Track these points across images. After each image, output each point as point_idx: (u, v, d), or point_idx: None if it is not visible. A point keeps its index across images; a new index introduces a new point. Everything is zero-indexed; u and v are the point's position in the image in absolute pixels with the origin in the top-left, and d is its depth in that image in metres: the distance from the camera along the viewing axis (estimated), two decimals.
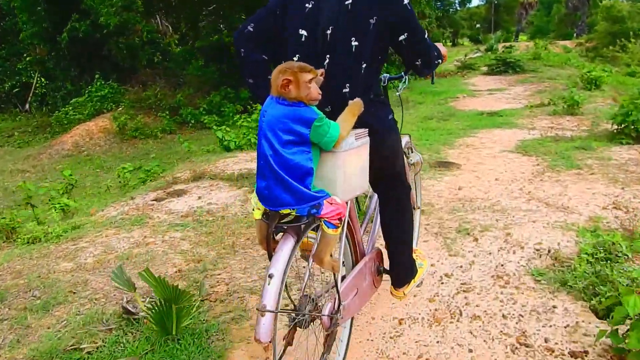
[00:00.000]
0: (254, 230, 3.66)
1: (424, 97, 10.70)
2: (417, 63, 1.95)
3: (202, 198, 4.60)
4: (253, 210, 1.70)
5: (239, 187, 4.83)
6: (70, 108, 14.07)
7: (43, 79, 19.10)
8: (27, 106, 19.32)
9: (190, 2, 15.85)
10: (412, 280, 2.28)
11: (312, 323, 1.79)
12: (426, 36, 1.92)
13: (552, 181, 4.38)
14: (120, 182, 6.74)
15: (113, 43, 16.08)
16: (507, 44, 26.33)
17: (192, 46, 17.84)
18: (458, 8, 63.58)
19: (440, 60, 2.07)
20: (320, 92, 1.60)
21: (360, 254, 2.08)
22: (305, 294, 1.75)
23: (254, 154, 6.44)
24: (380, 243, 2.28)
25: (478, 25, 59.72)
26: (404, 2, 1.82)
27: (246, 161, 5.96)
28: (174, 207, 4.40)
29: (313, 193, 1.57)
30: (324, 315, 1.74)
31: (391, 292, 2.27)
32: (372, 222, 2.43)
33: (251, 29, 1.87)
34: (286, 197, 1.56)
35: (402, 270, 2.22)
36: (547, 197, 3.99)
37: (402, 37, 1.84)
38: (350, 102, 1.73)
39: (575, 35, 41.21)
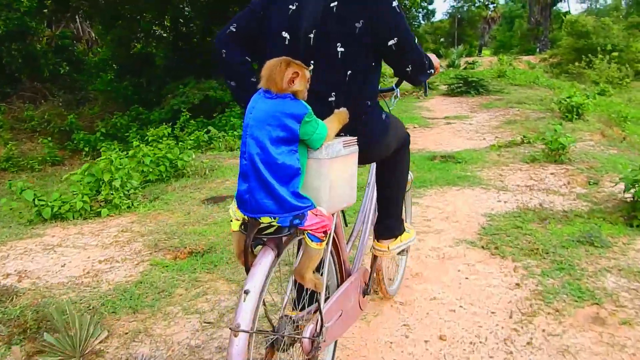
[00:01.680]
0: None
1: None
2: (408, 70, 1.83)
3: None
4: (231, 220, 1.56)
5: None
6: None
7: None
8: None
9: (103, 5, 13.30)
10: (399, 237, 2.19)
11: (292, 346, 1.64)
12: (416, 41, 1.79)
13: (552, 350, 2.14)
14: None
15: (5, 49, 13.38)
16: (470, 59, 24.74)
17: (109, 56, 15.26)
18: (422, 22, 63.06)
19: (432, 70, 1.95)
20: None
21: (346, 273, 1.95)
22: (285, 313, 1.62)
23: (73, 231, 3.93)
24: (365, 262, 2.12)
25: (442, 40, 59.23)
26: (393, 5, 1.70)
27: (43, 251, 3.56)
28: None
29: (296, 202, 1.44)
30: (304, 337, 1.61)
31: (374, 247, 2.21)
32: (359, 238, 2.23)
33: (233, 29, 1.78)
34: (268, 204, 1.43)
35: (391, 221, 2.17)
36: None
37: (391, 42, 1.71)
38: (335, 110, 1.65)
39: (538, 50, 40.31)
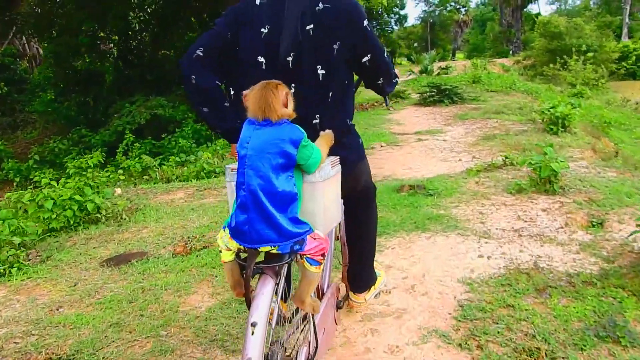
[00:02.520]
0: None
1: None
2: (379, 82, 1.90)
3: None
4: (221, 251, 1.53)
5: None
6: None
7: None
8: None
9: (38, 16, 12.09)
10: (373, 287, 2.33)
11: None
12: (386, 55, 1.86)
13: None
14: None
15: None
16: (444, 64, 24.05)
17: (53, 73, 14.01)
18: (395, 27, 62.86)
19: (397, 80, 2.02)
20: None
21: (321, 291, 2.01)
22: (274, 339, 1.60)
23: None
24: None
25: (416, 45, 59.02)
26: (364, 24, 1.75)
27: None
28: None
29: (296, 229, 1.45)
30: None
31: (350, 300, 2.31)
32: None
33: (200, 54, 1.71)
34: (269, 233, 1.42)
35: (365, 274, 2.27)
36: None
37: (365, 59, 1.79)
38: (321, 133, 1.66)
39: (511, 52, 40.09)
